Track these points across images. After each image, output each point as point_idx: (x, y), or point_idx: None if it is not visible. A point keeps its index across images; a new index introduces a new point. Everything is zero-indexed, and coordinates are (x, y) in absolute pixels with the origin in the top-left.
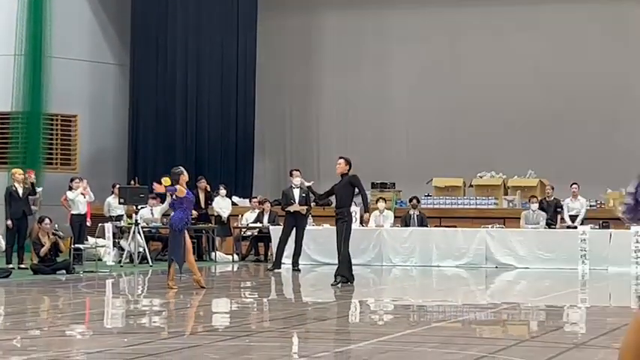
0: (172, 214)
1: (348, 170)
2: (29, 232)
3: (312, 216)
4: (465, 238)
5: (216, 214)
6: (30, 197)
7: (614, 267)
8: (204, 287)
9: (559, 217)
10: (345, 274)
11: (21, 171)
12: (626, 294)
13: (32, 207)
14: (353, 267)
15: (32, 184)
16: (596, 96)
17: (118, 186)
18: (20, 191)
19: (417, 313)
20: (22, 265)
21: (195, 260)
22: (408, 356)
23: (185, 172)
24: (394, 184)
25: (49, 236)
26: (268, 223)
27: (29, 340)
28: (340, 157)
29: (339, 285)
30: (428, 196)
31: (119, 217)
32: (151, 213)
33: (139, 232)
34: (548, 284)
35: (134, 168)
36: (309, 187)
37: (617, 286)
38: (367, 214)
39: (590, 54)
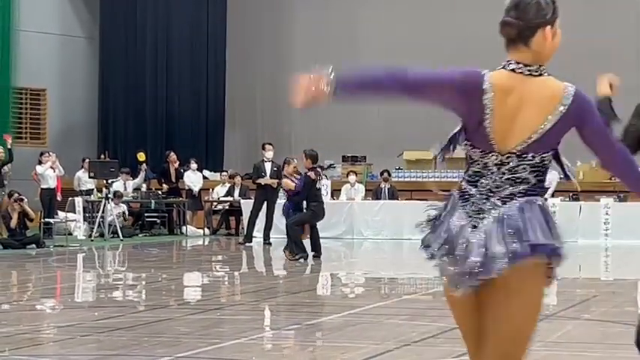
0: None
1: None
2: None
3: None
4: None
5: (187, 188)
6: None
7: (584, 239)
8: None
9: None
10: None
11: None
12: (595, 266)
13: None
14: (322, 240)
15: (9, 150)
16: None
17: (87, 160)
18: None
19: (389, 286)
20: None
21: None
22: (378, 328)
23: None
24: (365, 157)
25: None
26: (239, 196)
27: None
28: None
29: (300, 260)
30: (399, 169)
31: (89, 192)
32: (124, 187)
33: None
34: None
35: (104, 142)
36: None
37: (586, 259)
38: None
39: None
